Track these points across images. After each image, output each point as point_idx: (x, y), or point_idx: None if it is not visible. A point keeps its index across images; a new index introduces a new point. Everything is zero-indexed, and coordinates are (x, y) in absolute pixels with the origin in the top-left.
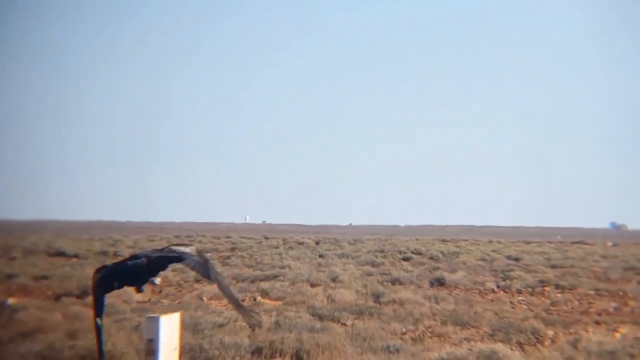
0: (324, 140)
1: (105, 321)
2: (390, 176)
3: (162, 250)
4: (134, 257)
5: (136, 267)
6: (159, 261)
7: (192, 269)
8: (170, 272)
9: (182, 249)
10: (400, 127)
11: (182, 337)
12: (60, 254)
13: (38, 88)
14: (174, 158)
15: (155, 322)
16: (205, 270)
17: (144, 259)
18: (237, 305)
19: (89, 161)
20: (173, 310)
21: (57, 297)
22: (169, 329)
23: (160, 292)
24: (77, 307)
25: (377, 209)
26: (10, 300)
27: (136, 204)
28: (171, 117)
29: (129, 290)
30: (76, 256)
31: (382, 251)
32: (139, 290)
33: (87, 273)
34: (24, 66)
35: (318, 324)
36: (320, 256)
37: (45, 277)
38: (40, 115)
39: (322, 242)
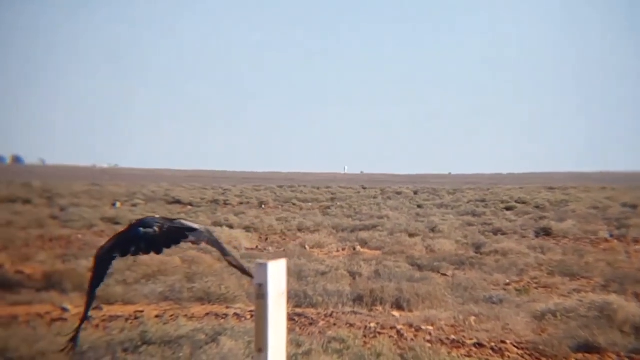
0: (422, 89)
1: (218, 266)
2: (491, 123)
3: (172, 221)
4: (142, 223)
5: (147, 236)
6: (172, 232)
7: (207, 243)
8: (275, 221)
9: (191, 224)
10: (498, 73)
11: (288, 283)
12: (176, 201)
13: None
14: (281, 112)
15: (264, 267)
16: (218, 246)
17: (156, 228)
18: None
19: (200, 117)
20: (278, 257)
21: None
22: (277, 275)
23: (267, 239)
24: (194, 252)
25: (478, 157)
26: None
27: (242, 154)
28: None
29: (239, 236)
30: (190, 204)
31: (483, 201)
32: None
33: (201, 220)
34: None
35: (417, 274)
36: (419, 206)
37: None
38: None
39: (421, 192)
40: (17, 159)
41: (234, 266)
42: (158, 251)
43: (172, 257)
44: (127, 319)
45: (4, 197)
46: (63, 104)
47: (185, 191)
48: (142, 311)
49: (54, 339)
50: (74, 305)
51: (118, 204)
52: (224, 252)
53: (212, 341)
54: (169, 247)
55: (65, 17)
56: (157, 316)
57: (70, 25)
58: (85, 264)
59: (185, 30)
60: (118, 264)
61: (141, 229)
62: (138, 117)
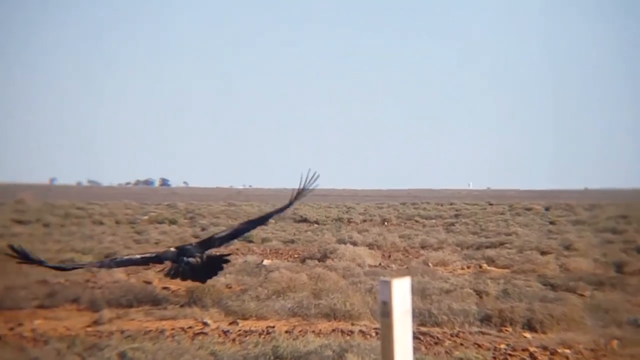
0: (551, 101)
1: (343, 283)
2: (630, 134)
3: (209, 240)
4: (184, 252)
5: (190, 265)
6: (212, 260)
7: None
8: (397, 238)
9: (222, 233)
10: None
11: (412, 301)
12: (303, 220)
13: None
14: (402, 129)
15: (388, 285)
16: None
17: (198, 259)
18: None
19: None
20: (401, 275)
21: (303, 260)
22: (401, 292)
23: (389, 257)
24: (319, 269)
25: (617, 170)
26: (266, 261)
27: (365, 172)
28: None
29: (362, 254)
30: (316, 222)
31: (624, 217)
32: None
33: (326, 238)
34: None
35: (551, 294)
36: (551, 223)
37: (292, 241)
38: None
39: (553, 207)
40: (164, 182)
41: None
42: (203, 281)
43: (300, 274)
44: (260, 334)
45: (153, 218)
46: (205, 133)
47: (312, 209)
48: (273, 326)
49: (196, 353)
50: (213, 320)
51: None
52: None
53: (339, 357)
54: (211, 276)
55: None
56: (287, 331)
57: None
58: (223, 281)
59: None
60: (251, 280)
61: (184, 257)
62: (268, 142)
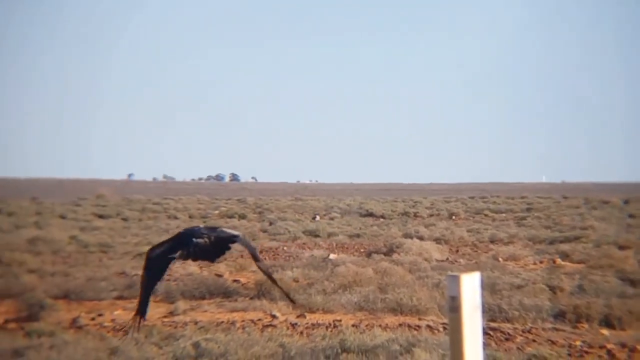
0: (628, 90)
1: (409, 278)
2: None
3: (215, 229)
4: (193, 232)
5: (199, 245)
6: (219, 242)
7: (246, 248)
8: (465, 233)
9: (231, 231)
10: None
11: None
12: (369, 214)
13: None
14: (470, 120)
15: (457, 280)
16: (252, 251)
17: (205, 239)
18: (276, 284)
19: (391, 133)
20: (470, 270)
21: (369, 254)
22: (471, 288)
23: (457, 251)
24: (385, 264)
25: None
26: (332, 256)
27: (432, 166)
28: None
29: (429, 248)
30: (382, 216)
31: None
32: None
33: (392, 232)
34: None
35: (630, 290)
36: (630, 216)
37: (358, 235)
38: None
39: (632, 201)
40: (234, 177)
41: (264, 272)
42: (211, 260)
43: (366, 268)
44: (327, 327)
45: (224, 213)
46: (273, 129)
47: (378, 204)
48: (340, 320)
49: (265, 344)
50: (282, 313)
51: (318, 217)
52: (255, 258)
53: (406, 352)
54: (219, 256)
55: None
56: (353, 325)
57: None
58: (291, 275)
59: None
60: (318, 274)
61: (193, 238)
62: (334, 138)
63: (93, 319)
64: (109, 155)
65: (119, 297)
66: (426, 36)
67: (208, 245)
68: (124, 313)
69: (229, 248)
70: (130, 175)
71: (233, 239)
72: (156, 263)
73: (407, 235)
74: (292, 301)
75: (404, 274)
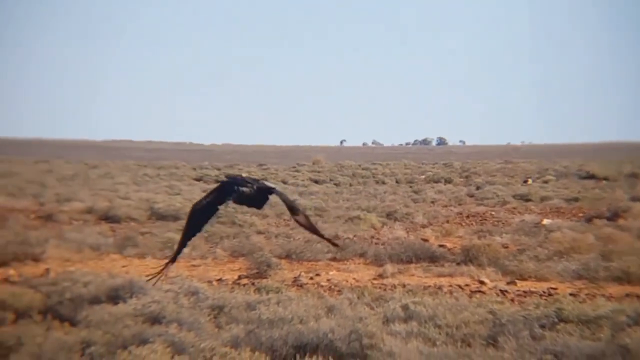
0: None
1: (638, 245)
2: None
3: (256, 180)
4: (236, 181)
5: (244, 194)
6: (261, 192)
7: (283, 201)
8: None
9: (269, 183)
10: None
11: None
12: (590, 176)
13: None
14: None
15: None
16: (292, 205)
17: (249, 187)
18: (319, 234)
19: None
20: None
21: (589, 219)
22: None
23: None
24: (609, 229)
25: None
26: (545, 221)
27: None
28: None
29: None
30: (605, 179)
31: None
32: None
33: (617, 195)
34: None
35: None
36: None
37: (576, 199)
38: None
39: None
40: (440, 141)
41: (304, 226)
42: (258, 207)
43: (585, 234)
44: (541, 295)
45: (430, 177)
46: (482, 91)
47: (601, 164)
48: (555, 288)
49: (475, 310)
50: (490, 279)
51: (530, 181)
52: (292, 211)
53: (635, 324)
54: (263, 204)
55: None
56: (571, 294)
57: None
58: (499, 240)
59: None
60: (529, 240)
61: (237, 186)
62: (548, 96)
63: (311, 278)
64: (323, 123)
65: (333, 259)
66: None
67: (252, 193)
68: (337, 274)
69: (267, 199)
70: (342, 141)
71: (271, 190)
72: (200, 214)
73: (636, 199)
74: (335, 244)
75: (631, 240)
